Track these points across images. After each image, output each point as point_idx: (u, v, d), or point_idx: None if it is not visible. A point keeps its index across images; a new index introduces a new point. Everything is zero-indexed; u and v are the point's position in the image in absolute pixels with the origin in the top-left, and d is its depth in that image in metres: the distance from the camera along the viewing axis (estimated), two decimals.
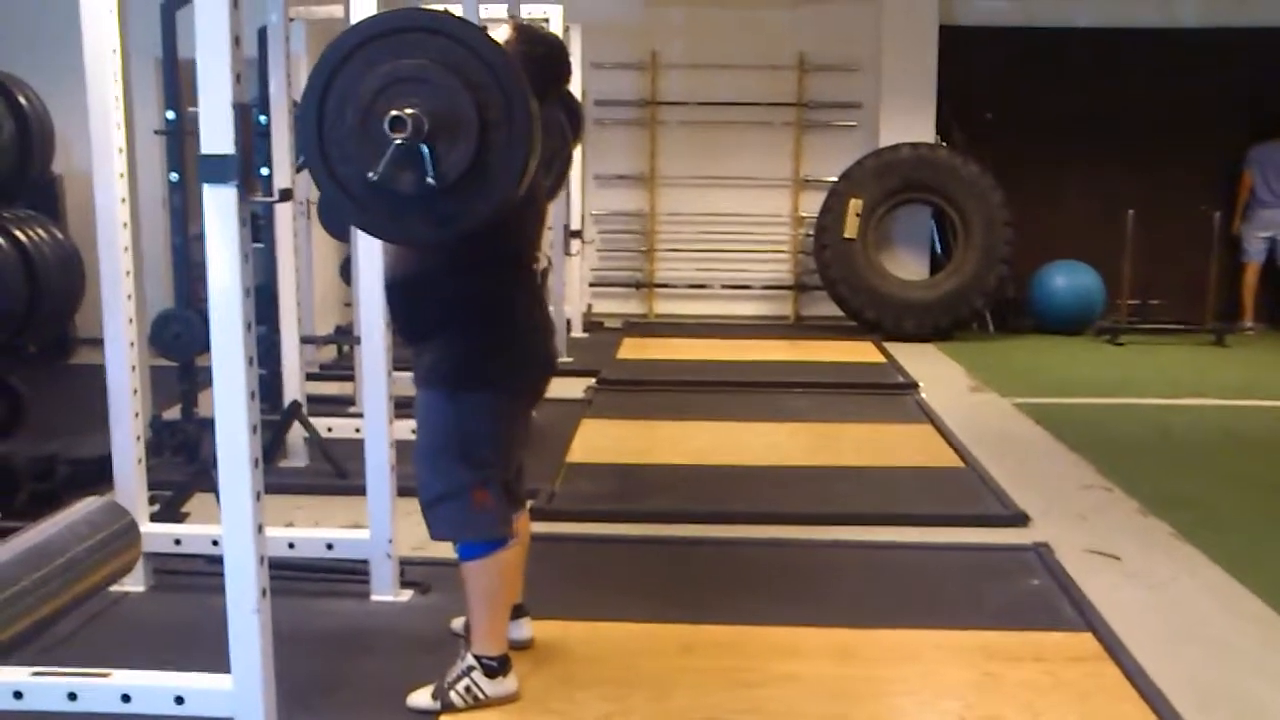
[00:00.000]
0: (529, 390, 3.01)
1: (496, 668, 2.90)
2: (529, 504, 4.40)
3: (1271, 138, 9.51)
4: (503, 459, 2.93)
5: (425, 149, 2.37)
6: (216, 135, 2.36)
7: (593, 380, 7.13)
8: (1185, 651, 3.33)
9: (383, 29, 2.46)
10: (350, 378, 6.14)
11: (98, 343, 3.50)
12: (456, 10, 4.67)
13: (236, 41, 2.37)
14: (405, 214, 2.48)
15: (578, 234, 8.75)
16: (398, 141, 2.35)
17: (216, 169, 2.37)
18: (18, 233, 3.81)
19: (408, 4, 6.82)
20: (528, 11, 7.34)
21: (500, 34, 2.94)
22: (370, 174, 2.39)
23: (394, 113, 2.34)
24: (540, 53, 2.94)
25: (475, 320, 2.83)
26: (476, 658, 2.90)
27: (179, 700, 2.56)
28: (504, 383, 2.88)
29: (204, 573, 3.47)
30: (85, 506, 1.57)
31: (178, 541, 3.60)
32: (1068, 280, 9.53)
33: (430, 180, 2.38)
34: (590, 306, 9.79)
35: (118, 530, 1.55)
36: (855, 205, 9.30)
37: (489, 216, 2.48)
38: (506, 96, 2.41)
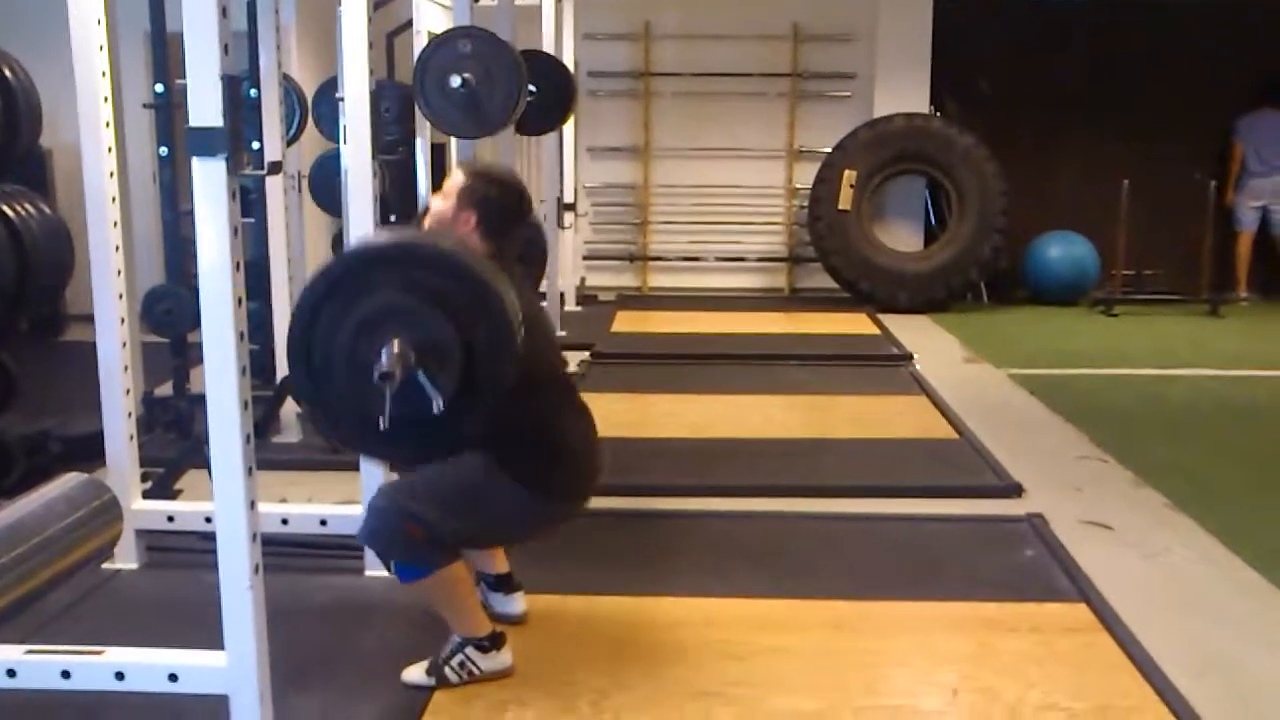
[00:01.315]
0: (563, 502, 2.99)
1: (488, 644, 2.89)
2: None
3: (1259, 107, 9.51)
4: (465, 542, 2.91)
5: (424, 378, 2.33)
6: (205, 108, 2.33)
7: (586, 354, 7.12)
8: (1179, 621, 3.34)
9: (339, 274, 2.43)
10: None
11: (89, 319, 3.49)
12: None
13: (224, 13, 2.33)
14: (421, 436, 2.45)
15: (570, 207, 8.71)
16: (390, 387, 2.30)
17: (205, 142, 2.34)
18: (5, 208, 3.76)
19: None
20: None
21: (455, 179, 2.97)
22: (381, 422, 2.34)
23: (382, 368, 2.29)
24: (495, 193, 2.95)
25: (519, 446, 2.83)
26: (464, 639, 2.90)
27: (173, 677, 2.55)
28: (541, 494, 2.88)
29: (197, 549, 3.46)
30: (64, 483, 1.55)
31: (170, 518, 3.60)
32: (1062, 251, 9.52)
33: (439, 407, 2.35)
34: (583, 280, 9.77)
35: (98, 508, 1.53)
36: (849, 176, 9.27)
37: (492, 410, 2.46)
38: (478, 303, 2.40)
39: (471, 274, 2.43)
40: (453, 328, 2.36)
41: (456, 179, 2.98)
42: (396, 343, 2.31)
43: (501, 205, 2.95)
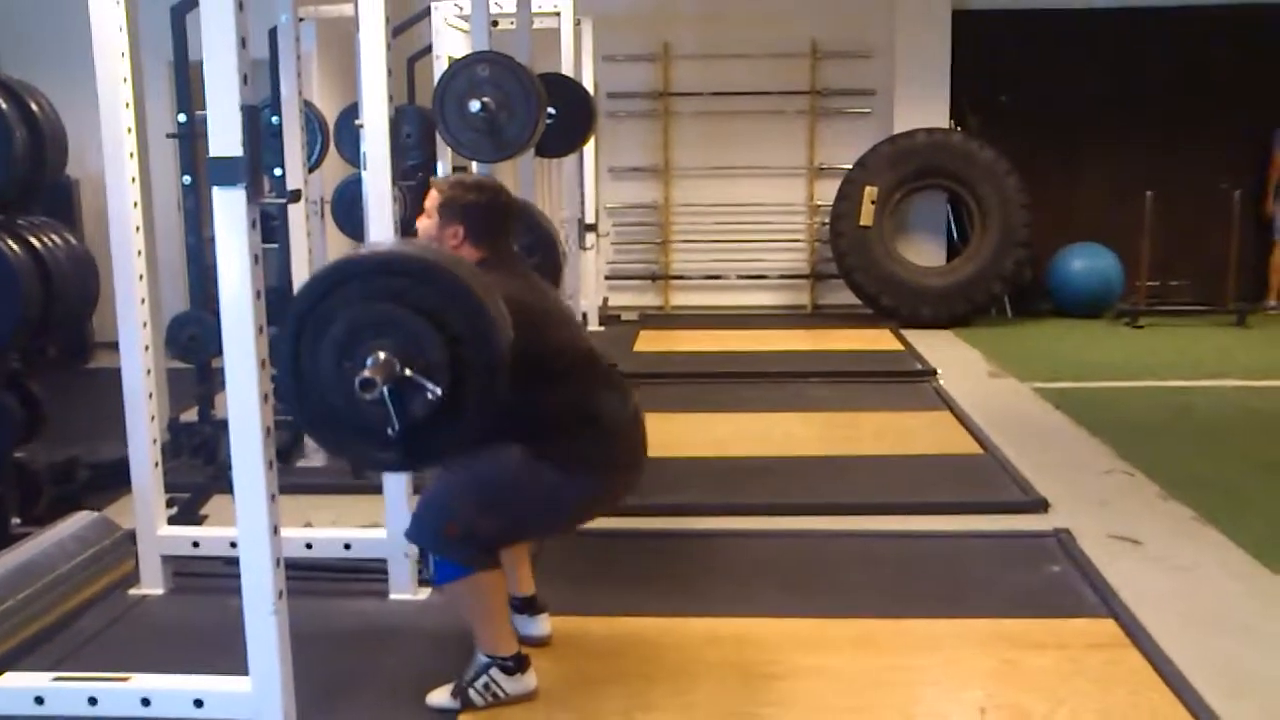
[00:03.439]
0: (608, 474, 2.96)
1: (513, 666, 2.89)
2: None
3: None
4: (505, 539, 2.89)
5: (413, 374, 2.33)
6: (225, 138, 2.36)
7: None
8: (1209, 637, 3.30)
9: (302, 312, 2.41)
10: None
11: (115, 346, 3.52)
12: (466, 4, 4.66)
13: (243, 43, 2.36)
14: (433, 438, 2.44)
15: (592, 227, 8.74)
16: (371, 396, 2.29)
17: (225, 171, 2.37)
18: (32, 239, 3.81)
19: (412, 6, 6.76)
20: (538, 5, 7.32)
21: (433, 197, 2.98)
22: (389, 430, 2.34)
23: (362, 376, 2.29)
24: (474, 198, 2.95)
25: (554, 433, 2.83)
26: (490, 657, 2.90)
27: (198, 703, 2.56)
28: (580, 476, 2.86)
29: (223, 574, 3.48)
30: (76, 522, 1.57)
31: (196, 544, 3.61)
32: (1086, 263, 9.49)
33: (433, 394, 2.33)
34: (606, 300, 9.79)
35: (108, 546, 1.55)
36: (870, 192, 9.27)
37: (503, 391, 2.44)
38: (440, 291, 2.38)
39: (421, 264, 2.42)
40: (423, 320, 2.34)
41: (434, 196, 2.97)
42: (376, 353, 2.31)
43: (485, 209, 2.95)
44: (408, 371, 2.33)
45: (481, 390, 2.40)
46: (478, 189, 2.99)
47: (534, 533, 2.92)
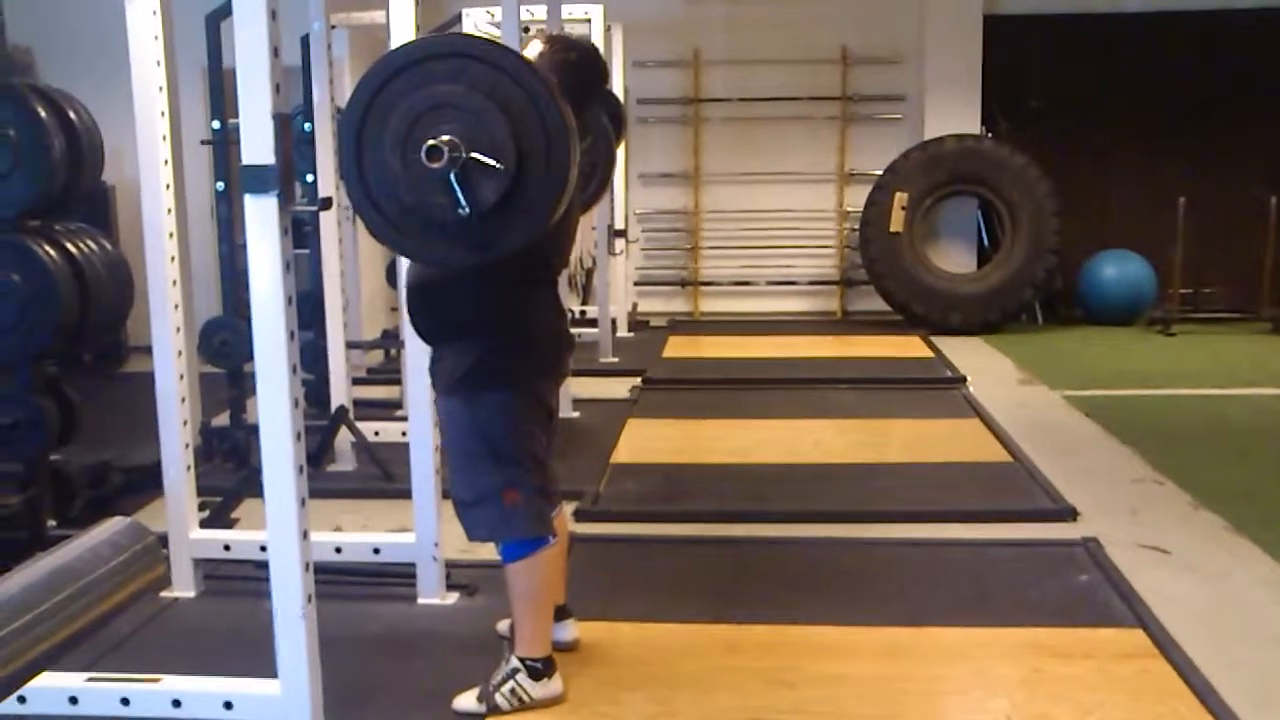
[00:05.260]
0: (542, 391, 2.99)
1: (541, 669, 2.91)
2: (574, 505, 4.46)
3: None
4: (528, 456, 2.92)
5: (487, 159, 2.33)
6: (257, 145, 2.39)
7: (638, 380, 7.14)
8: (1240, 648, 3.28)
9: (418, 56, 2.43)
10: (397, 381, 6.18)
11: (149, 351, 3.56)
12: (498, 10, 4.70)
13: (275, 53, 2.39)
14: (441, 238, 2.46)
15: (622, 233, 8.75)
16: (436, 166, 2.30)
17: (257, 179, 2.40)
18: (69, 245, 3.87)
19: (444, 13, 6.80)
20: (569, 11, 7.35)
21: (532, 47, 2.95)
22: (461, 210, 2.35)
23: (429, 143, 2.30)
24: (574, 58, 2.94)
25: (493, 324, 2.84)
26: (521, 660, 2.91)
27: (228, 705, 2.60)
28: (517, 382, 2.88)
29: (253, 578, 3.51)
30: (108, 528, 1.61)
31: (227, 547, 3.65)
32: (1118, 270, 9.42)
33: (501, 167, 2.32)
34: (635, 305, 9.80)
35: (139, 551, 1.59)
36: (901, 199, 9.25)
37: (525, 242, 2.46)
38: (545, 124, 2.38)
39: (553, 106, 2.40)
40: (513, 143, 2.34)
41: (534, 47, 2.95)
42: (448, 139, 2.31)
43: (580, 69, 2.93)
44: (469, 156, 2.32)
45: (545, 177, 2.39)
46: (575, 47, 3.00)
47: (536, 438, 2.94)
